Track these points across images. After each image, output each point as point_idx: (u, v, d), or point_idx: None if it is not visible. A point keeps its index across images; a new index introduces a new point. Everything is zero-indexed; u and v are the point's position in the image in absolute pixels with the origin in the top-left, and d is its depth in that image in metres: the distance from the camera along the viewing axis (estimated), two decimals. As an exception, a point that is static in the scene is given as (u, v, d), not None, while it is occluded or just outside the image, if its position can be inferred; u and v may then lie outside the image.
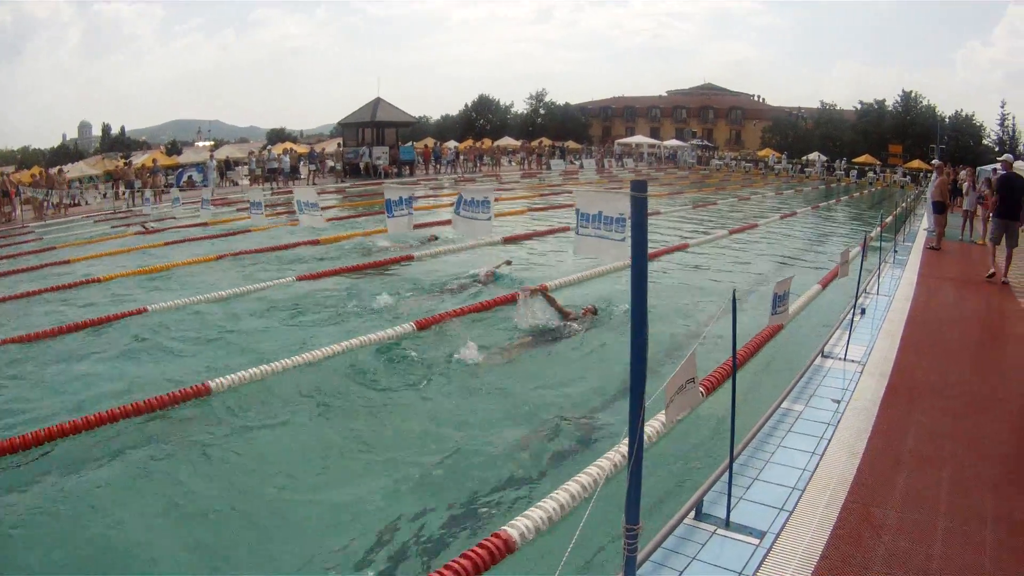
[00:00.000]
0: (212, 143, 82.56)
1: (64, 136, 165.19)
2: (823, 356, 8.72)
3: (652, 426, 6.41)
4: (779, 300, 5.78)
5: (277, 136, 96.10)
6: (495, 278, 13.50)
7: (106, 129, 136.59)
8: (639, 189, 3.27)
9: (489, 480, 6.17)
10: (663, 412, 4.61)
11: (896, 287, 13.07)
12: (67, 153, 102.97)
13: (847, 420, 6.73)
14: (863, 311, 11.00)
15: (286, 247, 17.90)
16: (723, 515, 5.03)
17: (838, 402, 7.22)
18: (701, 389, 6.83)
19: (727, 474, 5.08)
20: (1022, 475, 5.82)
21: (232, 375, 8.20)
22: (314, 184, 40.40)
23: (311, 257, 16.82)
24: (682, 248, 18.19)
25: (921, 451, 6.13)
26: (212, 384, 7.94)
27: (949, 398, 7.48)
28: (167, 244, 19.36)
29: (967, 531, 4.91)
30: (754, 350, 9.03)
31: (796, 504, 5.25)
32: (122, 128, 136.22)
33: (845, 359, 8.61)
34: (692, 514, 5.08)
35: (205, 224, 21.80)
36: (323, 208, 8.58)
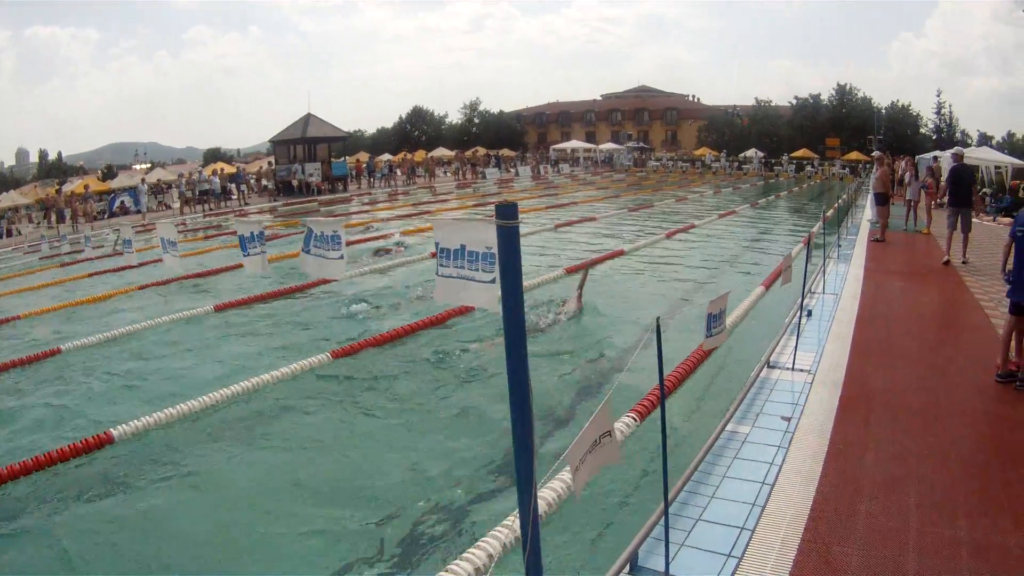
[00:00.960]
0: (148, 166, 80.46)
1: (2, 163, 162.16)
2: (768, 367, 8.14)
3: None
4: (714, 320, 5.14)
5: (213, 156, 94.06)
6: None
7: (43, 155, 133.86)
8: (507, 214, 2.55)
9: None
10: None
11: (843, 284, 12.64)
12: (4, 181, 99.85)
13: (799, 441, 6.13)
14: (809, 313, 10.49)
15: (204, 274, 16.99)
16: (661, 567, 4.37)
17: (788, 419, 6.62)
18: (621, 434, 6.07)
19: (664, 519, 4.41)
20: (996, 492, 5.26)
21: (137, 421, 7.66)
22: (245, 205, 39.84)
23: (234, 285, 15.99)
24: (618, 255, 17.62)
25: (883, 473, 5.55)
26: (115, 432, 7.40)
27: (908, 408, 6.93)
28: (90, 275, 18.40)
29: (941, 567, 4.31)
30: (685, 375, 8.17)
31: (746, 548, 4.62)
32: (59, 154, 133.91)
33: (793, 368, 8.04)
34: (626, 568, 4.41)
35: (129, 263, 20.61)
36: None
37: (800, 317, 9.13)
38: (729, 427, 6.46)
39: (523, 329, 2.63)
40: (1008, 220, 23.82)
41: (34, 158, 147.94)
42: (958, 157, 16.37)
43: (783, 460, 5.78)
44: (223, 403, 8.28)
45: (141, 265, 16.20)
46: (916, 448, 5.98)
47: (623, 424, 6.54)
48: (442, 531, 5.62)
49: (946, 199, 15.39)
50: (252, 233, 5.81)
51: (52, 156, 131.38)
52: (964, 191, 14.99)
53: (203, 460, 7.13)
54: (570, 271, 14.56)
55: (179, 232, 14.73)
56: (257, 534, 5.80)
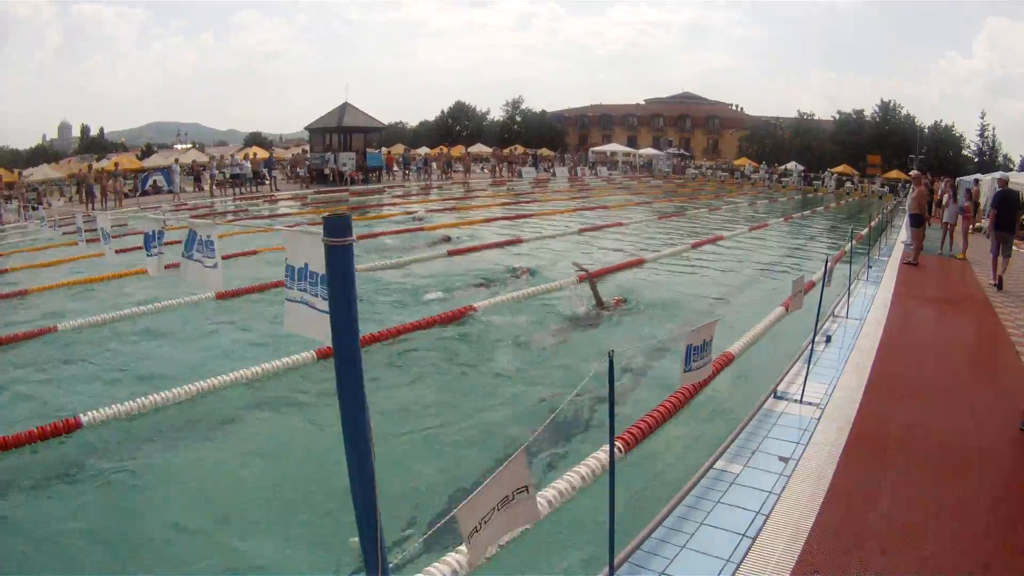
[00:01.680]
0: (188, 146, 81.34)
1: (44, 137, 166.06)
2: (775, 397, 7.54)
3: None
4: (696, 353, 4.57)
5: (254, 140, 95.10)
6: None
7: (84, 130, 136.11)
8: (337, 229, 2.03)
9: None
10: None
11: (868, 309, 11.99)
12: (45, 154, 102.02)
13: (795, 486, 5.54)
14: (828, 339, 9.88)
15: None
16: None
17: (786, 460, 6.03)
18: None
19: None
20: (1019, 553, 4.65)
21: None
22: (276, 191, 39.78)
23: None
24: (638, 263, 17.01)
25: (887, 526, 4.95)
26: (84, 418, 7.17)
27: (923, 452, 6.31)
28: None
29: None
30: (653, 426, 6.96)
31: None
32: (101, 130, 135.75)
33: (801, 401, 7.43)
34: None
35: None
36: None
37: (812, 346, 8.39)
38: (719, 464, 5.89)
39: (359, 372, 2.10)
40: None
41: (76, 132, 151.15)
42: (1003, 182, 16.57)
43: (772, 507, 5.20)
44: (200, 394, 8.01)
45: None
46: (926, 499, 5.39)
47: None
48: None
49: (985, 223, 15.99)
50: (154, 232, 5.31)
51: (94, 132, 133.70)
52: (1009, 216, 15.23)
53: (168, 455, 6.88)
54: (582, 279, 14.06)
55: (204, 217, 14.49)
56: (208, 538, 5.51)
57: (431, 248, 18.84)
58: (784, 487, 5.52)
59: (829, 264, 8.55)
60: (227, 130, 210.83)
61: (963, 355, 9.96)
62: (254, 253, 17.57)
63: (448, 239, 20.19)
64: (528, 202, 35.13)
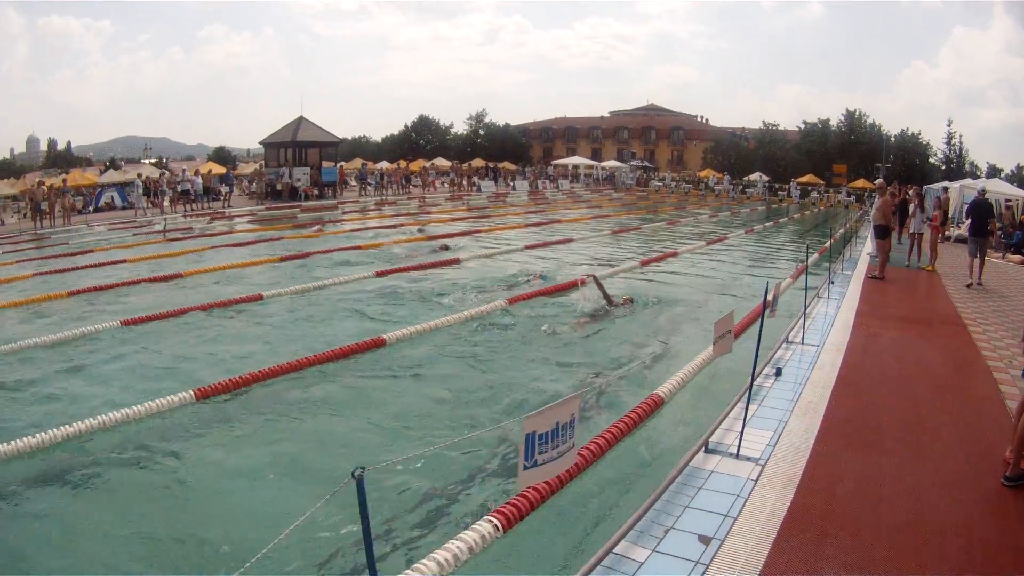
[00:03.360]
0: (154, 161, 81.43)
1: (12, 151, 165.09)
2: (706, 451, 6.31)
3: None
4: (545, 442, 3.34)
5: (218, 155, 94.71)
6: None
7: (51, 144, 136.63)
8: None
9: None
10: None
11: (828, 333, 10.88)
12: (11, 167, 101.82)
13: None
14: (778, 372, 8.73)
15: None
16: None
17: (708, 541, 4.80)
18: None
19: None
20: None
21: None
22: (229, 207, 39.22)
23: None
24: (573, 285, 15.62)
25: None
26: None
27: (883, 521, 5.14)
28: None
29: None
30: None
31: None
32: (68, 144, 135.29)
33: (738, 456, 6.21)
34: None
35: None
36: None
37: (749, 392, 6.96)
38: (620, 549, 4.66)
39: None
40: (1018, 258, 22.49)
41: (44, 146, 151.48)
42: (980, 192, 18.55)
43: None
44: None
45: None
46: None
47: None
48: None
49: (955, 231, 18.47)
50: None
51: (61, 146, 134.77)
52: (983, 223, 16.86)
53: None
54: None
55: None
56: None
57: (364, 268, 17.59)
58: (700, 583, 4.29)
59: (771, 294, 7.35)
60: (196, 144, 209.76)
61: (933, 389, 8.69)
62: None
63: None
64: (478, 217, 33.94)
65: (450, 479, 6.50)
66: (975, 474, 6.06)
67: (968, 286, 16.33)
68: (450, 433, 7.51)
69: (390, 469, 6.33)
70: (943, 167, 76.56)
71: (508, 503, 5.31)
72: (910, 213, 21.54)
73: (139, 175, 41.07)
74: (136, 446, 7.25)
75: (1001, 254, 24.01)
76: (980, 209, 17.21)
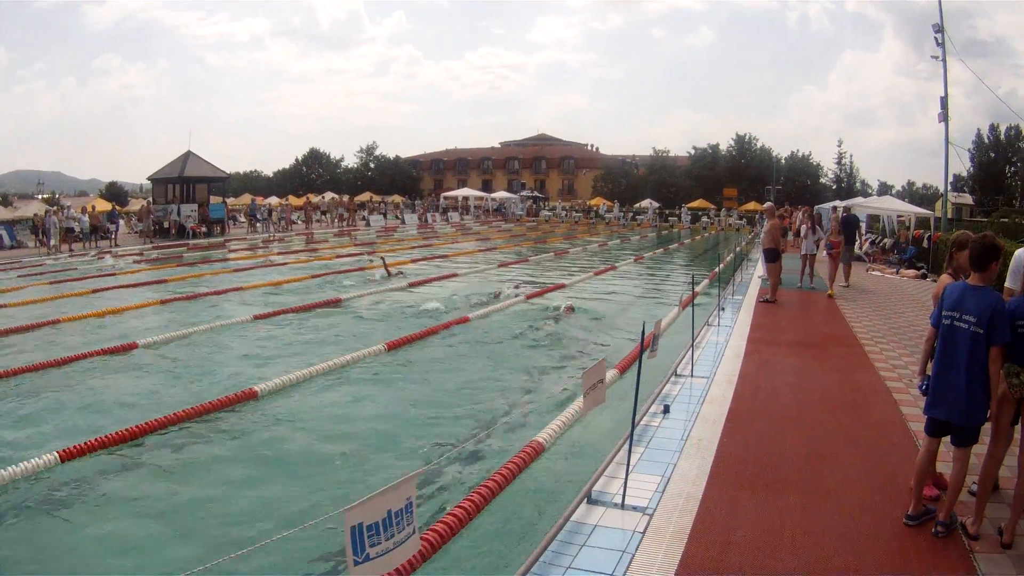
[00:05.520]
0: (47, 196, 78.43)
1: None
2: (588, 502, 5.90)
3: None
4: (378, 532, 2.90)
5: (110, 191, 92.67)
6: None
7: None
8: None
9: None
10: None
11: (718, 363, 10.70)
12: None
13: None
14: (666, 409, 8.42)
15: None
16: None
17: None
18: None
19: None
20: None
21: None
22: (116, 246, 37.68)
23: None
24: (445, 327, 15.09)
25: None
26: None
27: (776, 572, 4.80)
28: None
29: None
30: None
31: None
32: None
33: (623, 506, 5.81)
34: None
35: None
36: None
37: (631, 438, 6.49)
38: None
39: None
40: (912, 273, 23.24)
41: None
42: (847, 210, 24.18)
43: None
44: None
45: None
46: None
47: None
48: None
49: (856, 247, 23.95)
50: None
51: None
52: (850, 233, 21.31)
53: None
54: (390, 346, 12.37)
55: None
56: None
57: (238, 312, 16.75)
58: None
59: (648, 333, 7.03)
60: (89, 179, 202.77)
61: (832, 417, 8.50)
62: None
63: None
64: (369, 252, 33.10)
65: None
66: (881, 506, 5.84)
67: (845, 287, 20.28)
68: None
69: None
70: (834, 186, 79.88)
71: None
72: (802, 235, 21.91)
73: (52, 210, 40.26)
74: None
75: (895, 269, 24.95)
76: (849, 224, 21.38)
